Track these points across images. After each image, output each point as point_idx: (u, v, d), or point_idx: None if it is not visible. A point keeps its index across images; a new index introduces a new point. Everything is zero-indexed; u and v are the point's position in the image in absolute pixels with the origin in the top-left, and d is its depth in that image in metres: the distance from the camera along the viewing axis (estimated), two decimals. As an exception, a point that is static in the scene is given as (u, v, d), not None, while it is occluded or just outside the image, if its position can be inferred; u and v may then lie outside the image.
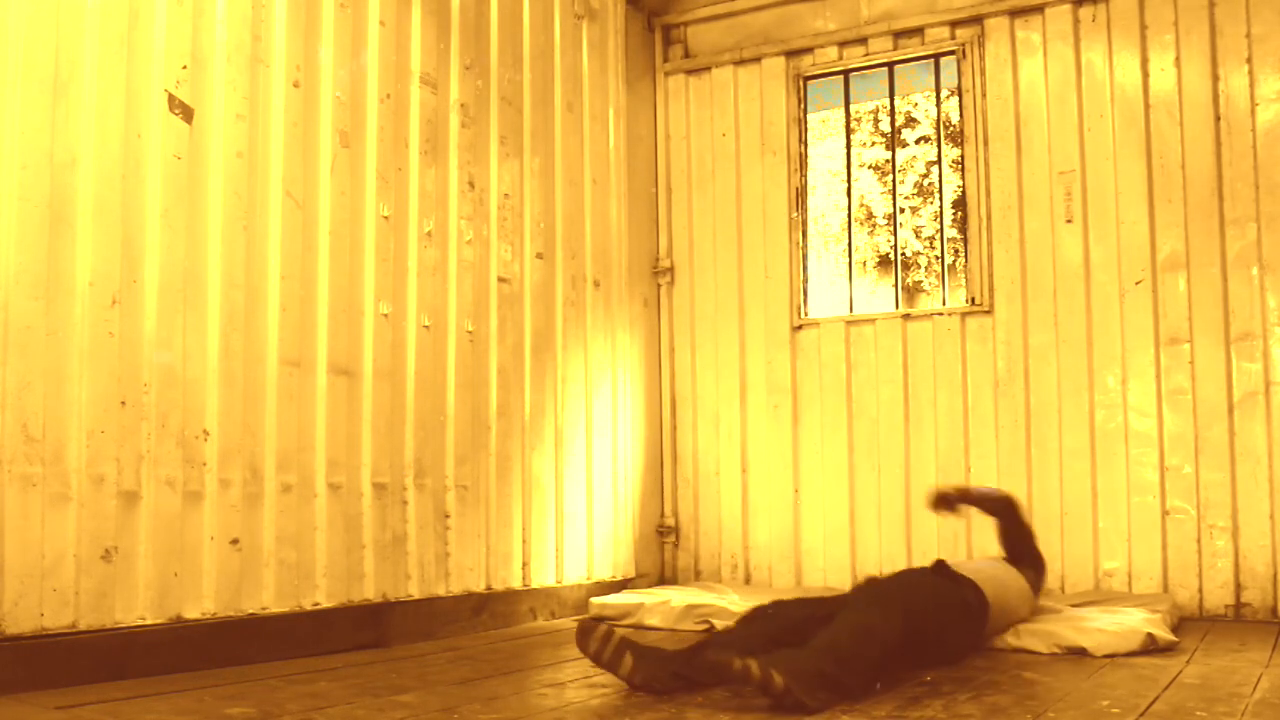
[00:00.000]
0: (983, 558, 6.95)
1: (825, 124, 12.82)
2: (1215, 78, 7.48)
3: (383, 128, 6.38)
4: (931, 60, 8.53)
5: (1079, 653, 5.75)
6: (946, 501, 6.74)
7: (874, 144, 16.99)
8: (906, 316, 8.27)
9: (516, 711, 4.39)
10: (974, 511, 7.39)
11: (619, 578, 8.19)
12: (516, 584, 7.18)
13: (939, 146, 9.28)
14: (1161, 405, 7.49)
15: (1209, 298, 7.40)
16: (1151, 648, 5.79)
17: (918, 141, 16.67)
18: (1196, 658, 5.63)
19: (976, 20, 8.21)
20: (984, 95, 8.16)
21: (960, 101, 8.31)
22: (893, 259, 10.79)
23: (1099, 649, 5.73)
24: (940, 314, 8.23)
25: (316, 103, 5.99)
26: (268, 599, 5.55)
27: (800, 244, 8.73)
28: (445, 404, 6.75)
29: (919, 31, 8.46)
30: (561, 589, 7.59)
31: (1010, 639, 5.98)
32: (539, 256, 7.54)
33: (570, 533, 7.71)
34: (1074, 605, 6.83)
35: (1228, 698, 4.56)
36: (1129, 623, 5.92)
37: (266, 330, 5.64)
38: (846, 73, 8.84)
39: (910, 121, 16.74)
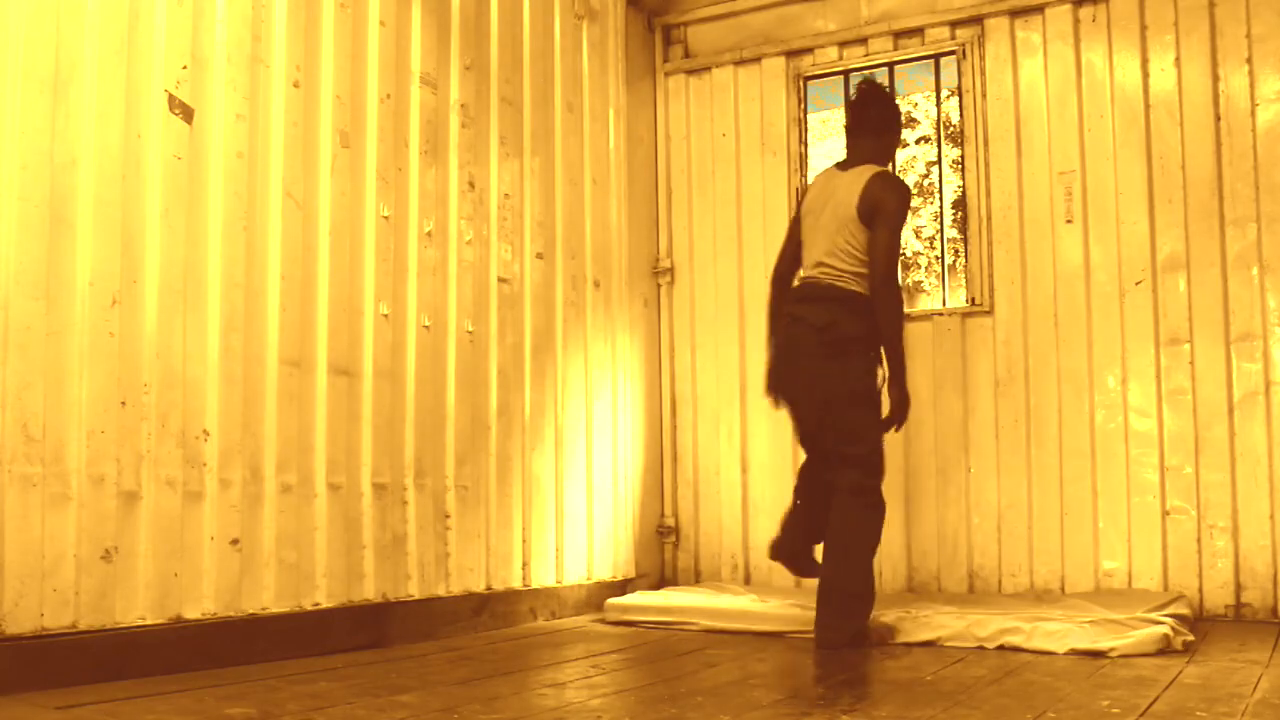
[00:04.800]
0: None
1: (825, 124, 12.84)
2: (1215, 78, 7.46)
3: (383, 128, 6.38)
4: (931, 60, 8.52)
5: (1095, 655, 5.75)
6: None
7: (874, 144, 16.98)
8: (906, 317, 8.25)
9: (517, 711, 4.39)
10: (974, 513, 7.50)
11: (619, 578, 8.20)
12: (517, 584, 7.18)
13: (939, 146, 9.29)
14: (1162, 405, 7.48)
15: (1209, 298, 7.39)
16: (1167, 649, 5.80)
17: (918, 142, 16.69)
18: (1196, 658, 5.63)
19: (976, 20, 8.20)
20: (984, 95, 8.14)
21: (960, 102, 8.30)
22: (893, 259, 10.77)
23: (1115, 651, 5.74)
24: (940, 314, 8.22)
25: (317, 103, 5.99)
26: (268, 599, 5.55)
27: (801, 244, 8.71)
28: (445, 404, 6.74)
29: (919, 32, 8.44)
30: (562, 589, 7.59)
31: (1024, 641, 6.04)
32: (539, 256, 7.54)
33: (570, 533, 7.71)
34: (1083, 600, 6.90)
35: (1228, 698, 4.57)
36: (1148, 628, 5.92)
37: (266, 330, 5.64)
38: (847, 73, 8.81)
39: (910, 121, 16.77)
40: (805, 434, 6.68)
